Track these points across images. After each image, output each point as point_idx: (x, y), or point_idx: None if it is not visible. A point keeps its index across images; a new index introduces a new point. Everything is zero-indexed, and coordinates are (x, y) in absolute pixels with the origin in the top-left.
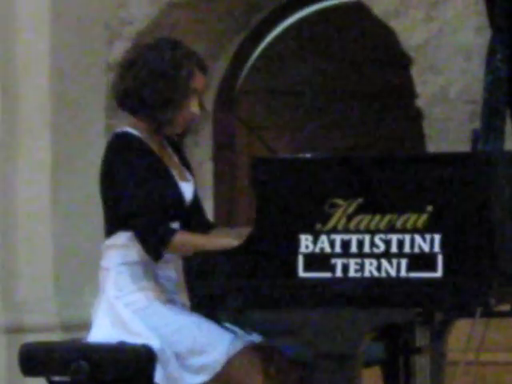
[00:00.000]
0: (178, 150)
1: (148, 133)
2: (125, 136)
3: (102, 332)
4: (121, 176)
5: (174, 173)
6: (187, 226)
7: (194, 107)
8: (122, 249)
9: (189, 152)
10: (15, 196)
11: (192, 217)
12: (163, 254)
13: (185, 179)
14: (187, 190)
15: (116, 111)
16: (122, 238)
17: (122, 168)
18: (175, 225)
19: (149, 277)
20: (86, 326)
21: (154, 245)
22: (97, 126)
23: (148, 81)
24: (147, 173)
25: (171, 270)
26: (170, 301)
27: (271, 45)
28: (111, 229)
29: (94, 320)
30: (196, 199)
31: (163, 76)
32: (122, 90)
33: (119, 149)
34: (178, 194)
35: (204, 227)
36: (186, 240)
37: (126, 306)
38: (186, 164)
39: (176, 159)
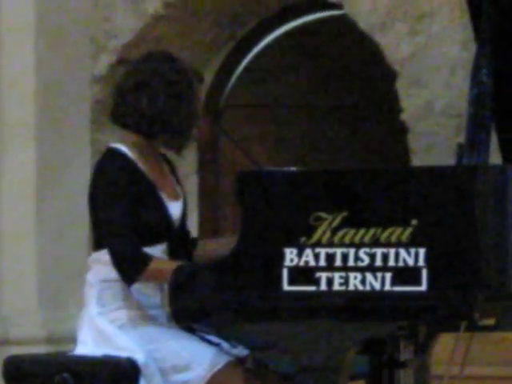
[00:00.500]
0: (169, 162)
1: (142, 149)
2: (115, 155)
3: (86, 348)
4: (103, 197)
5: (164, 193)
6: (175, 247)
7: (200, 118)
8: (105, 265)
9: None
10: (0, 210)
11: (182, 235)
12: (137, 281)
13: (175, 199)
14: (175, 210)
15: (101, 125)
16: (106, 255)
17: (106, 189)
18: (162, 247)
19: (131, 294)
20: (71, 338)
21: (128, 272)
22: (82, 140)
23: (171, 105)
24: (131, 197)
25: (153, 286)
26: (152, 318)
27: (256, 58)
28: (97, 243)
29: (79, 337)
30: (185, 216)
31: (182, 97)
32: (135, 114)
33: (108, 168)
34: (165, 216)
35: (190, 245)
36: (160, 268)
37: (109, 321)
38: (176, 177)
39: (169, 176)
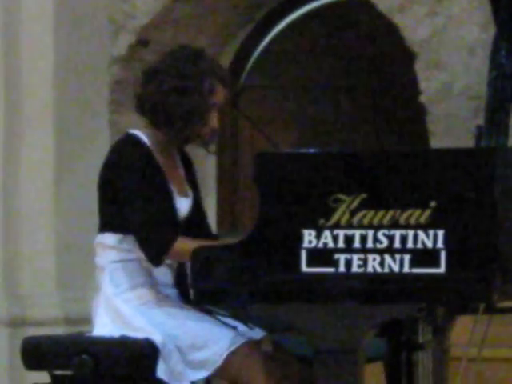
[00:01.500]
0: (188, 162)
1: (160, 142)
2: (134, 141)
3: (104, 330)
4: (122, 183)
5: (174, 187)
6: None
7: (213, 122)
8: (109, 249)
9: (191, 146)
10: (18, 191)
11: (190, 231)
12: (164, 260)
13: (184, 195)
14: (184, 205)
15: (119, 106)
16: (110, 239)
17: (124, 173)
18: None
19: (144, 273)
20: (89, 319)
21: (154, 251)
22: (100, 121)
23: (171, 95)
24: (147, 183)
25: (165, 265)
26: (167, 296)
27: (275, 40)
28: (102, 226)
29: (95, 319)
30: (196, 214)
31: (186, 91)
32: (144, 99)
33: (124, 153)
34: (172, 207)
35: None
36: (185, 247)
37: (125, 302)
38: (192, 179)
39: (181, 172)
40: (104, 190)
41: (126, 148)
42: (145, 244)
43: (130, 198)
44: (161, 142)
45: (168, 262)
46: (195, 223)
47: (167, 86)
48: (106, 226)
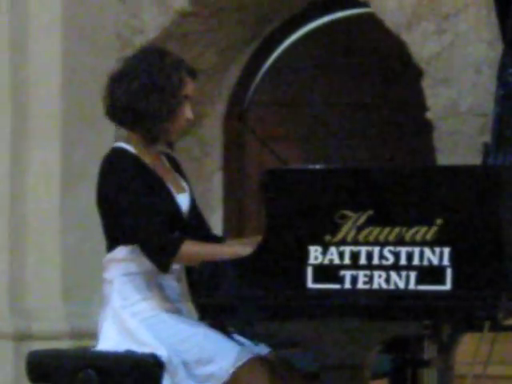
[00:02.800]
0: (172, 160)
1: (142, 146)
2: (119, 153)
3: (110, 343)
4: (119, 195)
5: (170, 185)
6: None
7: (187, 113)
8: (122, 262)
9: (199, 162)
10: (25, 204)
11: (191, 228)
12: (171, 264)
13: (181, 191)
14: (184, 201)
15: None
16: (122, 252)
17: (119, 187)
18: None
19: (152, 287)
20: (94, 334)
21: (161, 257)
22: (107, 136)
23: (141, 94)
24: (144, 189)
25: (174, 279)
26: (174, 310)
27: (282, 56)
28: (111, 243)
29: (101, 332)
30: (194, 210)
31: (155, 87)
32: (113, 103)
33: (115, 167)
34: (175, 207)
35: (208, 239)
36: (193, 249)
37: (132, 315)
38: (181, 173)
39: (171, 170)
40: (104, 208)
41: (113, 161)
42: (151, 251)
43: (130, 209)
44: (143, 145)
45: (176, 267)
46: (195, 220)
47: (136, 86)
48: (114, 241)
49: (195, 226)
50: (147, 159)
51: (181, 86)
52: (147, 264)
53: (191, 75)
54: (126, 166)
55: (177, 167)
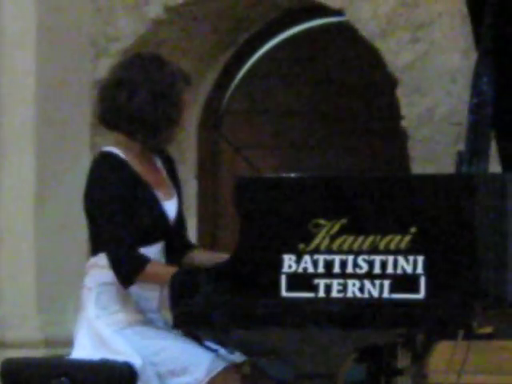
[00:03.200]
0: (167, 160)
1: (134, 151)
2: (108, 157)
3: (84, 352)
4: (100, 202)
5: (159, 192)
6: (173, 245)
7: (183, 121)
8: (102, 269)
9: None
10: None
11: (177, 235)
12: (133, 283)
13: (169, 197)
14: (171, 208)
15: (100, 128)
16: (103, 259)
17: (101, 194)
18: (158, 246)
19: (129, 297)
20: (69, 342)
21: (124, 274)
22: (82, 143)
23: (148, 102)
24: (126, 198)
25: (151, 290)
26: (150, 321)
27: (257, 64)
28: (94, 248)
29: (76, 340)
30: (180, 216)
31: (163, 96)
32: (114, 109)
33: (101, 171)
34: (162, 215)
35: (183, 247)
36: (157, 271)
37: (107, 325)
38: (173, 175)
39: (164, 174)
40: (88, 212)
41: (100, 167)
42: (116, 265)
43: (106, 219)
44: (136, 151)
45: (150, 286)
46: (180, 226)
47: (142, 94)
48: (97, 247)
49: (181, 230)
50: (136, 164)
51: (182, 93)
52: None
53: (187, 82)
54: (112, 172)
55: (170, 168)
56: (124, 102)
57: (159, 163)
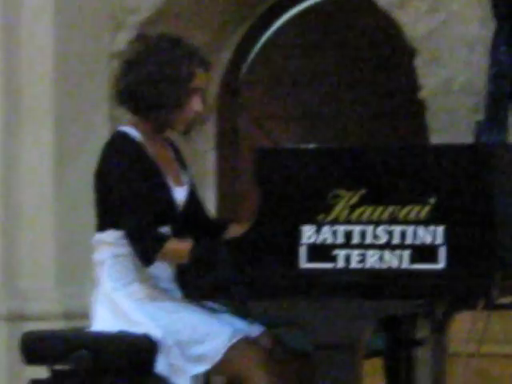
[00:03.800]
0: (176, 150)
1: (148, 133)
2: (123, 137)
3: (104, 325)
4: (115, 179)
5: (169, 177)
6: (179, 230)
7: (196, 105)
8: (110, 245)
9: (192, 141)
10: (18, 185)
11: (188, 221)
12: (155, 260)
13: (180, 183)
14: (180, 194)
15: None
16: (112, 235)
17: (117, 172)
18: (165, 229)
19: (143, 268)
20: (88, 315)
21: (145, 252)
22: (100, 116)
23: (148, 81)
24: (140, 178)
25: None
26: (167, 290)
27: (275, 35)
28: (101, 224)
29: (94, 314)
30: (193, 203)
31: (163, 77)
32: (123, 88)
33: (116, 151)
34: (170, 199)
35: (211, 228)
36: (177, 249)
37: (124, 296)
38: (182, 164)
39: (175, 161)
40: (99, 189)
41: (116, 146)
42: (136, 244)
43: (122, 198)
44: (149, 133)
45: None
46: (193, 211)
47: (145, 74)
48: (105, 223)
49: (193, 217)
50: (150, 147)
51: (190, 77)
52: None
53: (203, 67)
54: (126, 152)
55: (179, 157)
56: (130, 81)
57: (171, 151)
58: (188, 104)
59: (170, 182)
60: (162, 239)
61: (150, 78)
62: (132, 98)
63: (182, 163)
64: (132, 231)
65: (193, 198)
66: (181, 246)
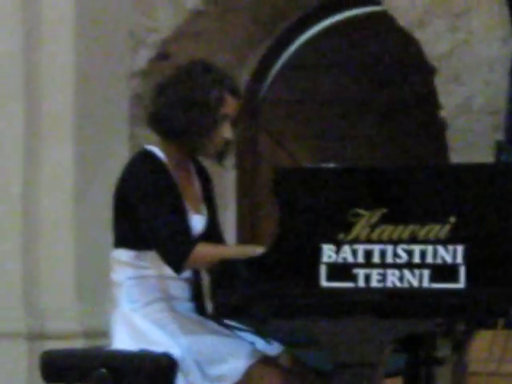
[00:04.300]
0: (206, 177)
1: (173, 156)
2: (149, 158)
3: (123, 345)
4: (137, 199)
5: (188, 204)
6: None
7: (225, 132)
8: (126, 265)
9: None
10: (38, 203)
11: None
12: (185, 265)
13: (198, 211)
14: (198, 222)
15: (139, 119)
16: (125, 255)
17: (141, 190)
18: None
19: (161, 289)
20: (108, 333)
21: (175, 258)
22: (120, 134)
23: (178, 107)
24: (161, 199)
25: (182, 280)
26: (185, 310)
27: (295, 54)
28: (116, 242)
29: (113, 335)
30: (211, 231)
31: (193, 103)
32: (153, 113)
33: (140, 169)
34: (186, 225)
35: None
36: (207, 251)
37: (143, 317)
38: (209, 195)
39: (197, 187)
40: (119, 206)
41: (141, 164)
42: (166, 253)
43: (147, 214)
44: (175, 156)
45: (186, 275)
46: (210, 241)
47: (175, 99)
48: (120, 242)
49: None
50: (174, 169)
51: (219, 104)
52: (153, 269)
53: (233, 94)
54: (152, 171)
55: (206, 183)
56: (159, 106)
57: (195, 175)
58: (217, 130)
59: (189, 208)
60: (191, 244)
61: (181, 103)
62: (161, 121)
63: (209, 193)
64: (160, 241)
65: (212, 228)
66: (210, 251)
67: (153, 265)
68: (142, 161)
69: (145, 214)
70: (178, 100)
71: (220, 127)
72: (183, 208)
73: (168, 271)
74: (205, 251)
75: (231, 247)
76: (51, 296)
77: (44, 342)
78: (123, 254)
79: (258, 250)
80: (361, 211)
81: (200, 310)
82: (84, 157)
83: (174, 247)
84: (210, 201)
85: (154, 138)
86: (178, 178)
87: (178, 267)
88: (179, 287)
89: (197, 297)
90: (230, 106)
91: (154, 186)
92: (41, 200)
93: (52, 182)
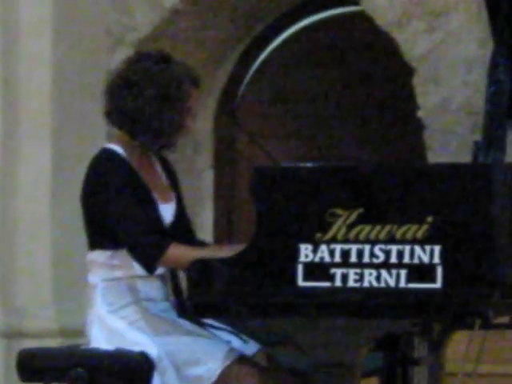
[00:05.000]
0: (169, 168)
1: (137, 151)
2: (109, 156)
3: (100, 346)
4: (105, 199)
5: (156, 194)
6: None
7: (190, 124)
8: (101, 267)
9: (189, 159)
10: (15, 202)
11: (174, 237)
12: (157, 266)
13: (167, 200)
14: (167, 211)
15: None
16: (100, 256)
17: (107, 190)
18: None
19: (135, 290)
20: (85, 332)
21: (147, 258)
22: (98, 133)
23: (152, 104)
24: (130, 192)
25: (158, 280)
26: (161, 311)
27: (273, 53)
28: (91, 244)
29: (91, 337)
30: (181, 219)
31: (168, 99)
32: (119, 108)
33: (103, 169)
34: (157, 218)
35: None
36: (179, 252)
37: (119, 319)
38: (173, 179)
39: (163, 177)
40: (87, 208)
41: (102, 163)
42: (138, 252)
43: (115, 212)
44: (137, 151)
45: (160, 272)
46: (180, 228)
47: (146, 96)
48: (94, 243)
49: (180, 236)
50: (136, 164)
51: (187, 98)
52: (128, 270)
53: (196, 85)
54: (114, 169)
55: (169, 171)
56: (129, 103)
57: (158, 165)
58: (185, 124)
59: (157, 199)
60: (163, 245)
61: (156, 100)
62: (133, 119)
63: (172, 177)
64: (131, 241)
65: (181, 215)
66: (182, 252)
67: (124, 264)
68: (102, 160)
69: (113, 212)
70: (152, 97)
71: (187, 120)
72: (151, 199)
73: (139, 270)
74: (178, 253)
75: (205, 250)
76: (28, 295)
77: (21, 341)
78: (99, 256)
79: (232, 253)
80: (338, 211)
81: (181, 306)
82: (61, 155)
83: (145, 246)
84: (175, 189)
85: (116, 135)
86: (142, 171)
87: (149, 267)
88: (153, 287)
89: (176, 294)
90: (194, 98)
91: (117, 183)
92: (18, 198)
93: (29, 183)
